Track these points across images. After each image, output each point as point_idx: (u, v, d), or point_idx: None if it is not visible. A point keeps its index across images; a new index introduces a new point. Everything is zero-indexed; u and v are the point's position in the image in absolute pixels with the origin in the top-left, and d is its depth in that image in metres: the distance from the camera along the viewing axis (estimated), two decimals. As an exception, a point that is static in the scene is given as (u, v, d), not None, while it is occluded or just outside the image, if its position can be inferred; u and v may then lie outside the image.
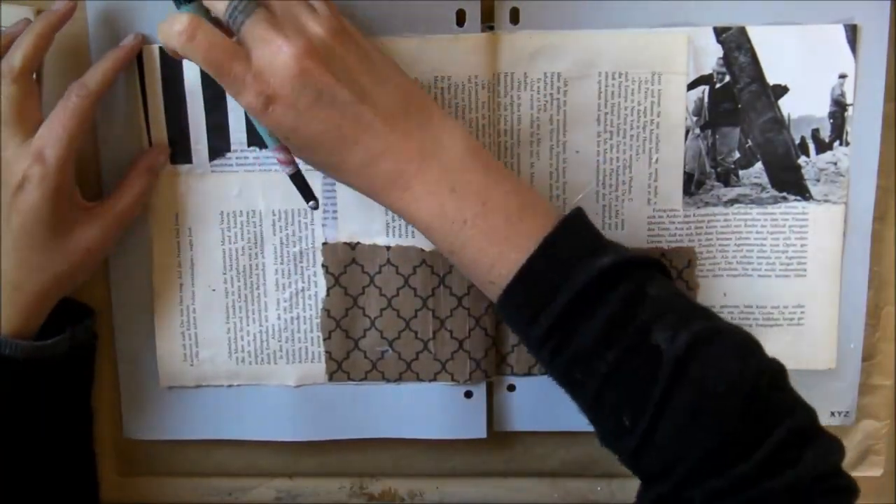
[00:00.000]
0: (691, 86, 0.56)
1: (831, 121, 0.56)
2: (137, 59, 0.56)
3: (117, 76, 0.53)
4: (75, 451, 0.58)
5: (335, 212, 0.58)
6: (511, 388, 0.60)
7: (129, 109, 0.57)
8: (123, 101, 0.57)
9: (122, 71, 0.54)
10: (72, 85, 0.52)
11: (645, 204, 0.57)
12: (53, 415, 0.55)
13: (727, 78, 0.56)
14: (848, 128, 0.56)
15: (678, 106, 0.56)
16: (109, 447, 0.62)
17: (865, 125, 0.56)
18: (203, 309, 0.59)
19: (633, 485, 0.62)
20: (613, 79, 0.56)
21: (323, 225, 0.58)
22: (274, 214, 0.58)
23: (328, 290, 0.59)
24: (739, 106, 0.56)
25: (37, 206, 0.50)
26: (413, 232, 0.57)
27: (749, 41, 0.55)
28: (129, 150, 0.57)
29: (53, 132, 0.50)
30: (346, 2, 0.55)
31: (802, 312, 0.58)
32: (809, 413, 0.44)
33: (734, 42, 0.55)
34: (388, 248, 0.58)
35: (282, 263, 0.58)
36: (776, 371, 0.44)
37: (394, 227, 0.57)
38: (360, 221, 0.58)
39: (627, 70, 0.56)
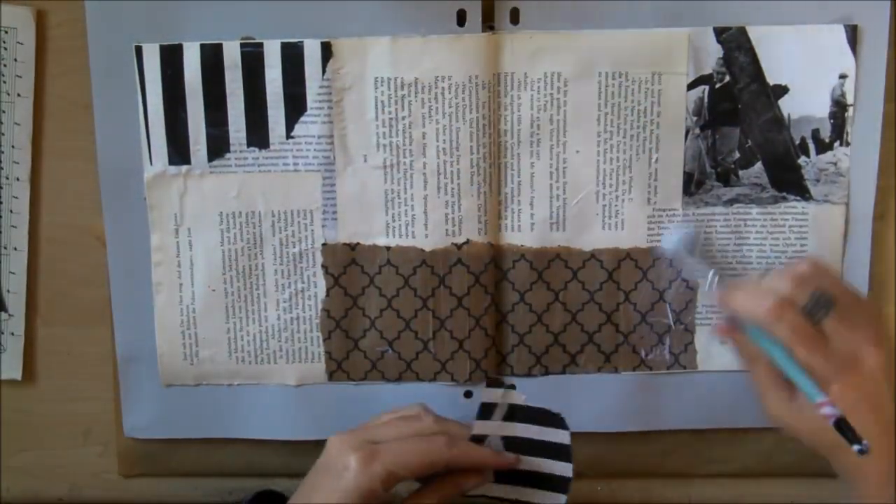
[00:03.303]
0: (691, 86, 0.56)
1: (831, 121, 0.56)
2: (137, 58, 0.56)
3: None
4: None
5: (335, 212, 0.58)
6: (511, 388, 0.60)
7: (128, 109, 0.57)
8: (123, 101, 0.57)
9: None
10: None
11: (645, 204, 0.57)
12: None
13: (727, 78, 0.56)
14: (848, 128, 0.56)
15: (678, 106, 0.56)
16: (109, 447, 0.63)
17: (866, 125, 0.56)
18: (203, 309, 0.59)
19: (633, 484, 0.62)
20: (613, 79, 0.56)
21: (323, 226, 0.58)
22: (273, 215, 0.58)
23: (328, 290, 0.59)
24: (739, 106, 0.56)
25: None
26: (413, 232, 0.57)
27: (749, 41, 0.55)
28: (129, 151, 0.57)
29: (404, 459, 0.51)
30: (347, 2, 0.55)
31: (802, 312, 0.58)
32: None
33: (734, 42, 0.55)
34: (388, 248, 0.58)
35: (281, 264, 0.58)
36: None
37: (394, 227, 0.57)
38: (360, 222, 0.58)
39: (627, 70, 0.56)
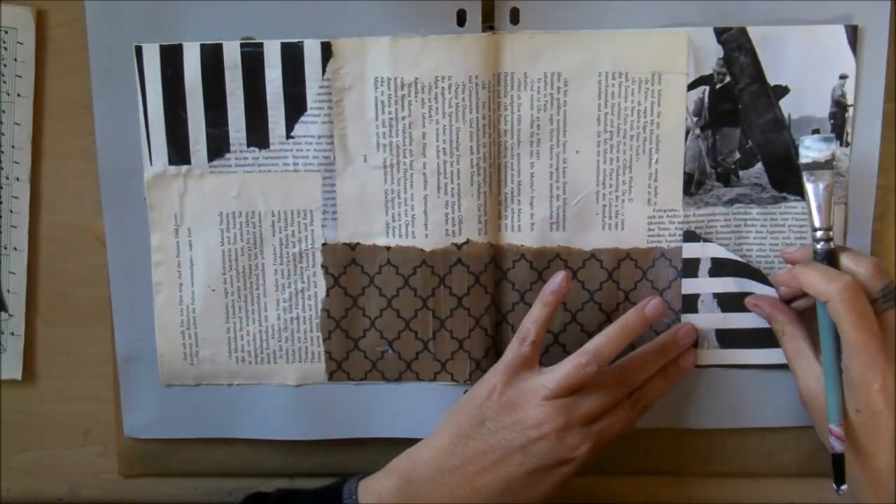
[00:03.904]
0: (691, 86, 0.56)
1: (832, 121, 0.56)
2: (137, 58, 0.56)
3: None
4: None
5: (335, 213, 0.58)
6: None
7: (128, 109, 0.57)
8: (123, 101, 0.57)
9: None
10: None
11: (645, 204, 0.57)
12: None
13: (727, 78, 0.56)
14: (848, 128, 0.56)
15: (678, 106, 0.56)
16: (109, 447, 0.63)
17: (866, 125, 0.56)
18: (203, 309, 0.59)
19: (633, 483, 0.62)
20: (613, 79, 0.56)
21: (323, 226, 0.58)
22: (273, 215, 0.58)
23: (328, 290, 0.59)
24: (740, 106, 0.56)
25: (559, 481, 0.52)
26: (413, 232, 0.57)
27: (749, 41, 0.55)
28: (129, 151, 0.57)
29: (613, 430, 0.53)
30: (347, 2, 0.55)
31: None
32: None
33: (735, 42, 0.55)
34: (388, 248, 0.58)
35: (281, 264, 0.58)
36: None
37: (394, 227, 0.57)
38: (360, 222, 0.58)
39: (627, 70, 0.56)
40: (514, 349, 0.54)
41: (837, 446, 0.50)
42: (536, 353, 0.54)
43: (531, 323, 0.54)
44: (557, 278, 0.54)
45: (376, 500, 0.52)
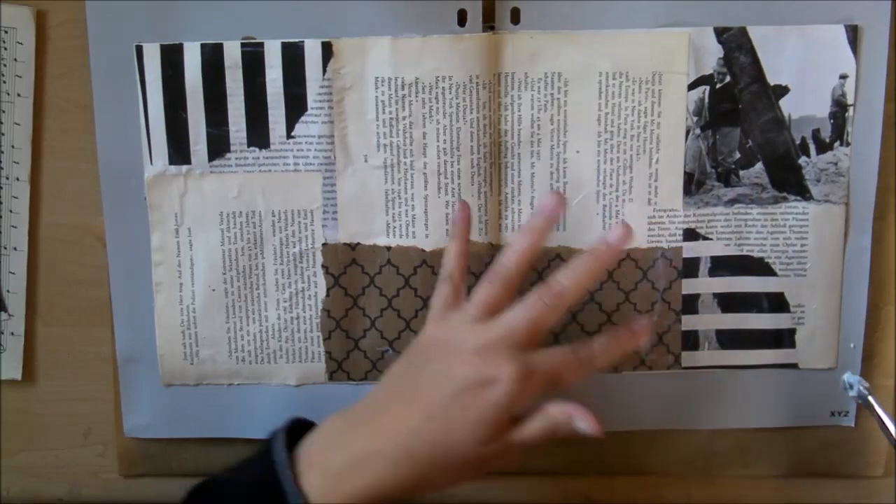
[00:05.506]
0: (692, 86, 0.56)
1: (832, 121, 0.56)
2: (137, 58, 0.56)
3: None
4: None
5: (335, 212, 0.58)
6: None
7: (128, 109, 0.57)
8: (123, 101, 0.57)
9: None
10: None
11: (645, 204, 0.57)
12: None
13: (728, 78, 0.56)
14: (848, 128, 0.56)
15: (678, 106, 0.56)
16: (109, 447, 0.63)
17: (866, 125, 0.56)
18: (203, 309, 0.59)
19: (632, 483, 0.63)
20: (613, 79, 0.56)
21: (323, 226, 0.58)
22: (273, 215, 0.58)
23: (328, 290, 0.59)
24: (740, 106, 0.56)
25: (484, 408, 0.47)
26: (414, 232, 0.57)
27: (750, 41, 0.55)
28: (129, 151, 0.57)
29: (548, 363, 0.49)
30: (348, 2, 0.55)
31: (802, 312, 0.59)
32: None
33: (735, 42, 0.55)
34: (389, 248, 0.58)
35: (281, 264, 0.58)
36: None
37: (394, 227, 0.58)
38: (361, 222, 0.58)
39: (627, 70, 0.56)
40: (438, 291, 0.53)
41: None
42: (460, 290, 0.52)
43: (448, 259, 0.53)
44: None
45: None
